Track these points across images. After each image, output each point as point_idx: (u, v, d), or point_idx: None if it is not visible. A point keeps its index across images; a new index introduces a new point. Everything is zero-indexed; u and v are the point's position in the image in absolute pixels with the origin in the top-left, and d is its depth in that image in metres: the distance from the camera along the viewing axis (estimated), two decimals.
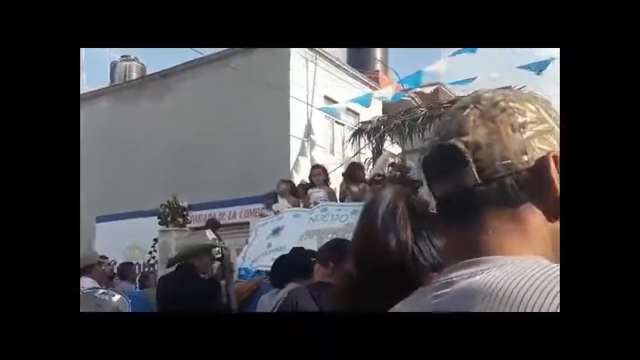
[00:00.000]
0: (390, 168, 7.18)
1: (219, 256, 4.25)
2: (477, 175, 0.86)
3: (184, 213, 6.87)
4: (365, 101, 11.09)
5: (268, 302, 3.57)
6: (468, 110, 0.90)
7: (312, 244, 4.51)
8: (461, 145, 0.87)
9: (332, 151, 15.85)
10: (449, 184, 0.89)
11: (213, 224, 7.82)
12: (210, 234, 5.78)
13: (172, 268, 4.32)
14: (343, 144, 15.36)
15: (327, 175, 7.27)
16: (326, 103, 14.86)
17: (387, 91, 10.85)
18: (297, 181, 8.50)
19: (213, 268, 4.53)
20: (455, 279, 0.82)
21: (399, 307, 0.92)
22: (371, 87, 17.07)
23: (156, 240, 9.68)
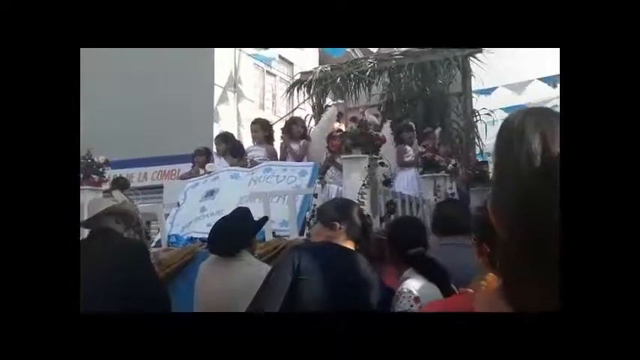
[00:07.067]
0: (350, 122, 5.76)
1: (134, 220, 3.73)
2: None
3: (100, 170, 5.00)
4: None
5: (209, 272, 3.17)
6: None
7: (256, 208, 3.85)
8: None
9: (262, 106, 13.94)
10: None
11: (122, 184, 6.71)
12: (119, 195, 4.99)
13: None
14: (274, 97, 14.13)
15: (271, 131, 6.56)
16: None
17: None
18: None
19: (130, 235, 3.90)
20: None
21: None
22: None
23: None
